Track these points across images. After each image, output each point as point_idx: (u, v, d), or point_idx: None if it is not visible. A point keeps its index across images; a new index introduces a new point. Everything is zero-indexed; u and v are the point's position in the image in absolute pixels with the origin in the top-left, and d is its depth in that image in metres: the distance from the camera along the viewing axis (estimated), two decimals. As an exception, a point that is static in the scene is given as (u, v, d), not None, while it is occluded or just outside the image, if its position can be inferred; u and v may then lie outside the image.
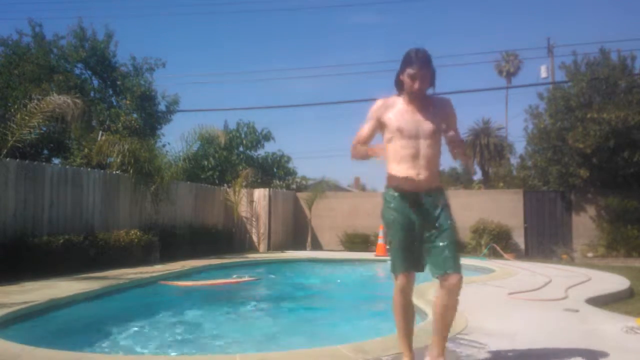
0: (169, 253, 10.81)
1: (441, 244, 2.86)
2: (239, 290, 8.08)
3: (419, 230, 2.91)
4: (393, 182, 2.96)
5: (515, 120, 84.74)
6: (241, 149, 18.80)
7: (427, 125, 2.90)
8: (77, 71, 15.96)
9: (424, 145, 2.90)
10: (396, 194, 2.96)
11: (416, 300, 5.50)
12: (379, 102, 3.03)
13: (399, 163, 2.91)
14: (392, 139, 2.93)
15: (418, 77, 2.87)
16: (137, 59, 16.33)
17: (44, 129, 12.70)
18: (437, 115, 2.94)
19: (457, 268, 2.83)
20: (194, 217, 13.41)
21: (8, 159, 8.19)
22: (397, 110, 2.96)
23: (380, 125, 3.01)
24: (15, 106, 10.34)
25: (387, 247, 2.76)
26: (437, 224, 2.90)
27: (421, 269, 2.96)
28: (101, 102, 15.30)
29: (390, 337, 3.63)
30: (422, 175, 2.89)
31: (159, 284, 7.73)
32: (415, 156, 2.89)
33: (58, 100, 8.14)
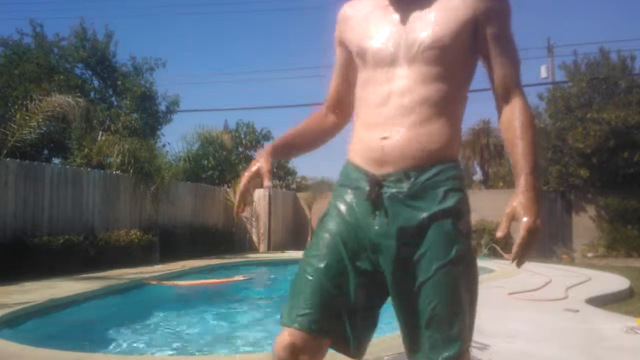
0: (169, 253, 10.81)
1: (426, 304, 1.31)
2: (236, 290, 8.07)
3: (370, 258, 1.37)
4: (351, 154, 1.48)
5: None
6: (241, 149, 18.81)
7: (416, 35, 1.37)
8: (78, 71, 15.96)
9: (408, 77, 1.38)
10: (352, 174, 1.44)
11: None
12: (340, 11, 1.59)
13: (366, 119, 1.44)
14: (359, 77, 1.51)
15: None
16: (137, 59, 16.33)
17: (44, 129, 12.69)
18: (446, 11, 1.38)
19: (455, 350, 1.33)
20: (194, 217, 13.40)
21: (8, 159, 8.19)
22: (361, 17, 1.50)
23: (347, 55, 1.56)
24: (16, 106, 10.34)
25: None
26: (422, 255, 1.32)
27: (347, 346, 1.39)
28: (101, 102, 15.30)
29: (390, 337, 3.63)
30: (396, 138, 1.35)
31: (152, 284, 7.69)
32: (384, 99, 1.39)
33: (60, 100, 8.15)
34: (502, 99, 1.42)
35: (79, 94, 10.76)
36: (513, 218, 1.28)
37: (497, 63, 1.40)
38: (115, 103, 15.94)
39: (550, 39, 23.01)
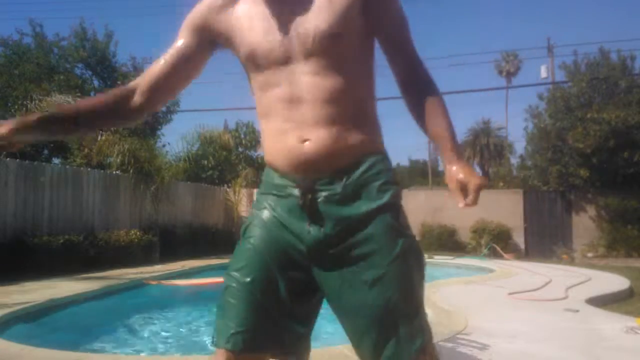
0: (169, 253, 10.81)
1: (384, 300, 1.24)
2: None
3: (303, 266, 1.31)
4: (266, 158, 1.41)
5: (515, 120, 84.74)
6: (241, 149, 18.81)
7: (309, 26, 1.27)
8: (78, 71, 15.97)
9: (309, 73, 1.28)
10: (278, 181, 1.35)
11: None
12: None
13: (278, 125, 1.33)
14: (254, 80, 1.38)
15: None
16: (137, 59, 16.35)
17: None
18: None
19: (415, 350, 1.24)
20: (194, 217, 13.41)
21: (8, 159, 8.19)
22: (241, 12, 1.36)
23: (199, 46, 1.41)
24: (16, 106, 10.34)
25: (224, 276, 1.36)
26: (368, 253, 1.26)
27: (286, 352, 1.34)
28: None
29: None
30: (316, 140, 1.27)
31: (152, 284, 7.68)
32: (292, 100, 1.29)
33: (60, 100, 8.16)
34: (402, 63, 1.37)
35: (79, 94, 10.76)
36: (463, 186, 1.22)
37: (391, 28, 1.36)
38: (115, 103, 15.93)
39: (550, 39, 23.13)
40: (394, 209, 1.31)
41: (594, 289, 6.83)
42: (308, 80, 1.27)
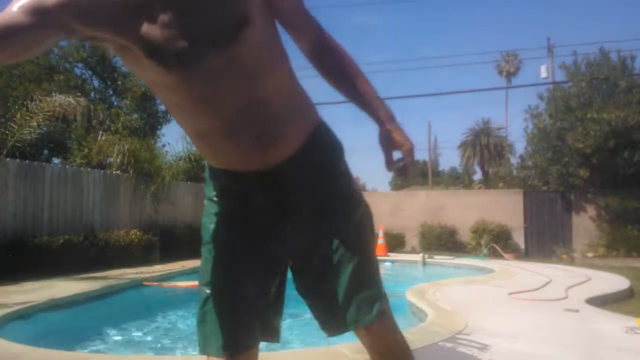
0: (169, 253, 10.81)
1: (336, 284, 1.27)
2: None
3: (271, 257, 1.33)
4: (213, 162, 1.34)
5: (515, 120, 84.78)
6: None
7: (214, 14, 1.10)
8: (78, 71, 15.98)
9: (224, 69, 1.13)
10: (225, 180, 1.33)
11: (415, 300, 5.52)
12: None
13: (205, 129, 1.24)
14: (154, 76, 1.17)
15: None
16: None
17: (44, 129, 12.70)
18: None
19: (376, 314, 1.28)
20: (194, 217, 13.40)
21: (8, 159, 8.19)
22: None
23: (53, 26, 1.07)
24: (16, 106, 10.34)
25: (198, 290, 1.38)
26: (327, 226, 1.29)
27: (273, 337, 1.41)
28: (101, 102, 15.31)
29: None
30: (254, 137, 1.21)
31: (148, 285, 7.66)
32: (216, 106, 1.18)
33: (61, 100, 8.15)
34: (303, 30, 1.29)
35: (79, 94, 10.76)
36: (393, 146, 1.25)
37: (286, 7, 1.25)
38: (115, 103, 15.95)
39: (550, 39, 23.13)
40: (345, 176, 1.34)
41: (594, 289, 6.83)
42: (225, 81, 1.14)
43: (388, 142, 1.26)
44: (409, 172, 1.27)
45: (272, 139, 1.22)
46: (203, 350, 1.31)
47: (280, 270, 1.34)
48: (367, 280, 1.30)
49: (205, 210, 1.39)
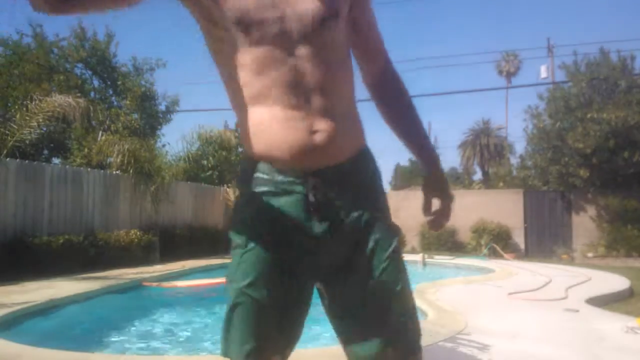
0: (169, 253, 10.81)
1: (386, 292, 1.24)
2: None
3: (308, 269, 1.24)
4: (257, 150, 1.24)
5: (515, 120, 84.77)
6: (240, 149, 18.81)
7: (308, 4, 1.17)
8: (78, 71, 15.96)
9: (307, 56, 1.18)
10: (275, 176, 1.22)
11: (415, 300, 5.52)
12: None
13: (278, 112, 1.19)
14: (240, 54, 1.19)
15: None
16: (138, 59, 16.35)
17: (44, 129, 12.70)
18: None
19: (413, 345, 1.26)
20: (194, 217, 13.41)
21: (8, 159, 8.19)
22: None
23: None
24: (16, 106, 10.35)
25: (227, 290, 1.27)
26: (371, 250, 1.23)
27: (288, 352, 1.30)
28: (101, 102, 15.31)
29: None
30: (326, 131, 1.19)
31: (148, 285, 7.65)
32: (297, 86, 1.18)
33: (60, 100, 8.16)
34: (373, 61, 1.34)
35: (78, 94, 10.77)
36: (439, 196, 1.28)
37: (367, 23, 1.32)
38: (115, 103, 15.95)
39: (550, 39, 23.15)
40: (387, 206, 1.31)
41: (594, 289, 6.83)
42: (310, 65, 1.17)
43: (434, 189, 1.28)
44: (441, 227, 1.30)
45: (329, 138, 1.19)
46: (225, 353, 1.26)
47: (312, 284, 1.28)
48: (408, 304, 1.27)
49: (238, 210, 1.30)
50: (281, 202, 1.21)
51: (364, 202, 1.24)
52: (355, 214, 1.22)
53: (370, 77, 1.35)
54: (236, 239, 1.27)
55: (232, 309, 1.23)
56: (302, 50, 1.16)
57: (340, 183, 1.21)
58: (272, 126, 1.19)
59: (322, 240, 1.20)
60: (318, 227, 1.20)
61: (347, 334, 1.28)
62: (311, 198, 1.19)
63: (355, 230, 1.22)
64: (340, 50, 1.23)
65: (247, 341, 1.21)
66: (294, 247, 1.21)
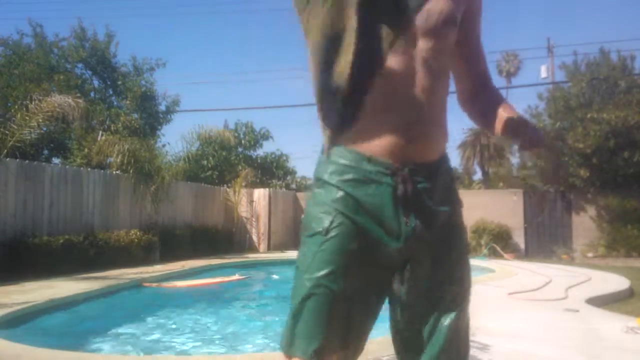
0: (169, 253, 10.81)
1: (453, 286, 1.30)
2: (233, 290, 8.07)
3: (387, 266, 1.22)
4: (358, 140, 1.20)
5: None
6: (240, 149, 18.82)
7: (435, 4, 1.21)
8: (78, 71, 15.97)
9: (422, 53, 1.20)
10: (365, 166, 1.19)
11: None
12: None
13: (386, 101, 1.19)
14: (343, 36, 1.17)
15: None
16: (138, 59, 16.35)
17: (44, 129, 12.70)
18: None
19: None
20: (194, 217, 13.41)
21: (8, 159, 8.19)
22: None
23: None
24: (16, 106, 10.34)
25: (297, 280, 1.21)
26: (449, 248, 1.27)
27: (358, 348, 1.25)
28: (101, 102, 15.31)
29: (390, 337, 3.63)
30: (422, 124, 1.20)
31: (148, 286, 7.66)
32: (407, 78, 1.19)
33: (60, 100, 8.15)
34: (474, 62, 1.38)
35: (78, 94, 10.76)
36: (515, 127, 1.23)
37: (477, 52, 1.37)
38: (115, 103, 15.95)
39: (550, 39, 23.15)
40: (461, 207, 1.33)
41: (594, 289, 6.83)
42: (422, 62, 1.18)
43: (521, 126, 1.23)
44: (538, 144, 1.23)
45: (423, 137, 1.20)
46: (287, 350, 1.18)
47: (390, 277, 1.23)
48: (467, 303, 1.38)
49: (317, 197, 1.23)
50: (369, 191, 1.17)
51: (447, 200, 1.24)
52: (440, 210, 1.21)
53: (468, 86, 1.39)
54: (315, 226, 1.19)
55: (304, 299, 1.16)
56: (419, 45, 1.19)
57: (427, 179, 1.20)
58: (372, 117, 1.18)
59: (407, 233, 1.17)
60: (403, 220, 1.17)
61: (420, 320, 1.26)
62: (400, 190, 1.16)
63: (439, 226, 1.21)
64: (447, 58, 1.26)
65: (315, 336, 1.14)
66: (376, 238, 1.17)
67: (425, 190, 1.19)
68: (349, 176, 1.19)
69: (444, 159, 1.28)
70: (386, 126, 1.17)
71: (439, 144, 1.25)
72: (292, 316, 1.18)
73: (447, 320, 1.27)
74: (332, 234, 1.16)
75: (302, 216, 1.27)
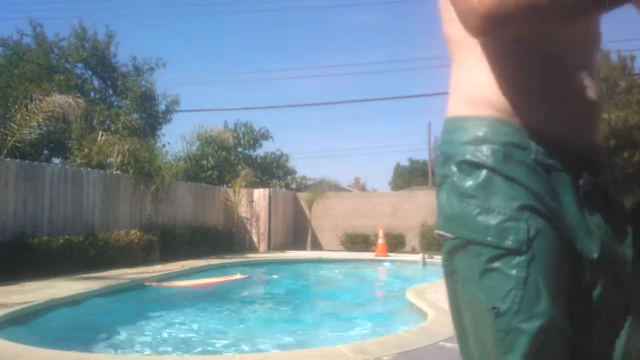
0: (169, 253, 10.82)
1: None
2: (233, 289, 8.07)
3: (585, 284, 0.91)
4: (532, 115, 0.93)
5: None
6: (240, 149, 18.83)
7: None
8: (78, 71, 15.98)
9: (594, 34, 1.01)
10: (544, 147, 0.92)
11: (415, 300, 5.52)
12: None
13: (565, 74, 0.95)
14: None
15: None
16: (138, 59, 16.36)
17: (44, 129, 12.71)
18: None
19: None
20: (194, 217, 13.41)
21: (8, 158, 8.19)
22: None
23: None
24: (16, 106, 10.35)
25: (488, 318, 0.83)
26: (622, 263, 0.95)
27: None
28: (101, 102, 15.32)
29: (390, 337, 3.63)
30: (594, 104, 0.97)
31: (148, 285, 7.66)
32: (588, 53, 1.00)
33: (60, 100, 8.15)
34: None
35: (78, 94, 10.77)
36: None
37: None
38: (115, 103, 15.97)
39: (550, 39, 23.04)
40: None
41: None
42: (592, 46, 1.00)
43: None
44: None
45: (596, 124, 1.01)
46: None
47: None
48: None
49: (486, 165, 0.91)
50: (546, 182, 0.90)
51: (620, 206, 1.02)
52: (616, 203, 0.98)
53: None
54: (498, 241, 0.86)
55: (530, 353, 0.82)
56: (591, 30, 0.99)
57: (599, 171, 0.97)
58: (547, 84, 0.94)
59: (595, 234, 0.91)
60: (589, 217, 0.91)
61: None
62: (583, 182, 0.91)
63: (619, 223, 0.96)
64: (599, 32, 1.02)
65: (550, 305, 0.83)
66: (571, 245, 0.89)
67: (600, 182, 0.96)
68: (532, 156, 0.92)
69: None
70: (566, 104, 0.96)
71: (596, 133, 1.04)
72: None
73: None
74: (537, 248, 0.86)
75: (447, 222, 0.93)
